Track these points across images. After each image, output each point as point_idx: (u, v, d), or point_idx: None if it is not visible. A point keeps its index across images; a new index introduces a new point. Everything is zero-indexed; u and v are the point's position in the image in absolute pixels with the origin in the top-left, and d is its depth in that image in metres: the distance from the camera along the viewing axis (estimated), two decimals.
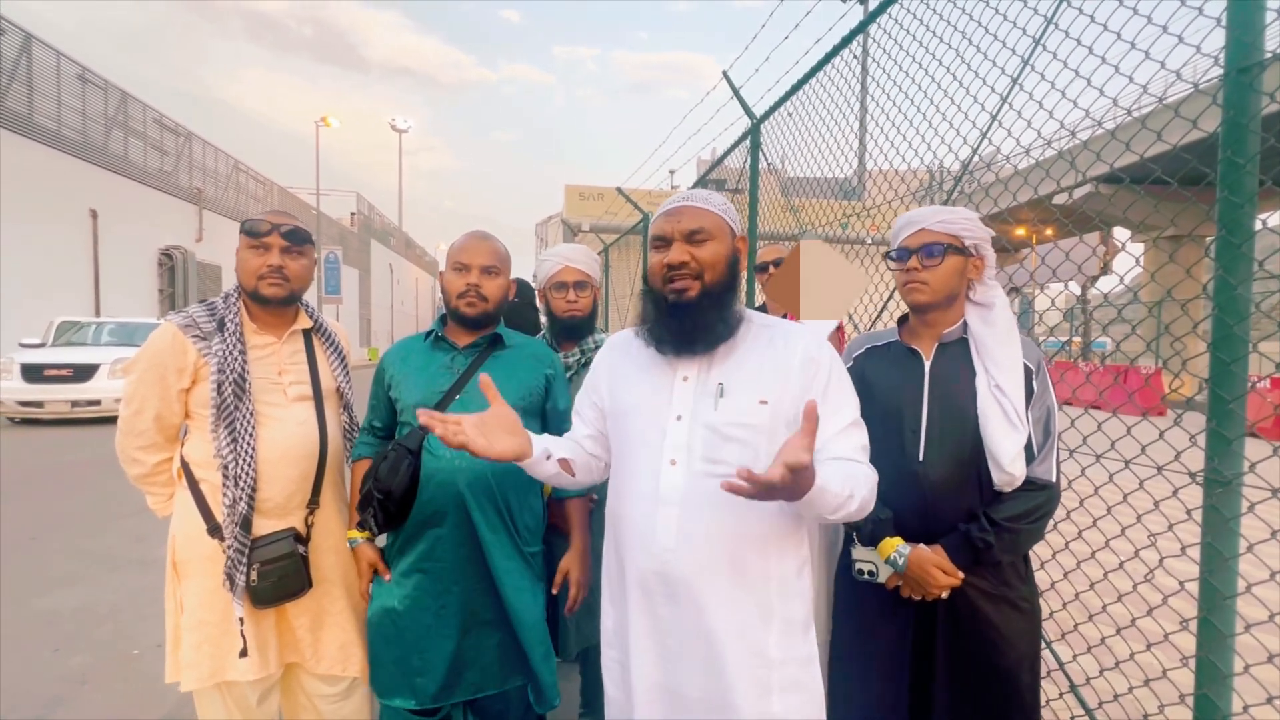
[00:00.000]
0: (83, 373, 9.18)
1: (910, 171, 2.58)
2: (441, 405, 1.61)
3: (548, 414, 1.77)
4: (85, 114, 15.30)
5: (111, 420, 7.46)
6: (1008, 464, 1.38)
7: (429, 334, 1.74)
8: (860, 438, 1.24)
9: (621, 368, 1.36)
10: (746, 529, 1.18)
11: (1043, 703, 1.61)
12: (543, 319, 2.38)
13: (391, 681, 1.63)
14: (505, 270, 1.74)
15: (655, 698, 1.23)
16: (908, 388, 1.51)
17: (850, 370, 1.62)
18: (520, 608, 1.62)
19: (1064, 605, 1.94)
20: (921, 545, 1.41)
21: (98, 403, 9.15)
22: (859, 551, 1.49)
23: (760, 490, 0.98)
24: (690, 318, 1.24)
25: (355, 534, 1.72)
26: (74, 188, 14.62)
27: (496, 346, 1.71)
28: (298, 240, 1.65)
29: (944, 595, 1.41)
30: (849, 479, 1.13)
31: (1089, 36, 1.66)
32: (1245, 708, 1.31)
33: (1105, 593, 1.88)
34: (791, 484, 0.97)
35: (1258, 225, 1.27)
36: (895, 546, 1.42)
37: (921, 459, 1.45)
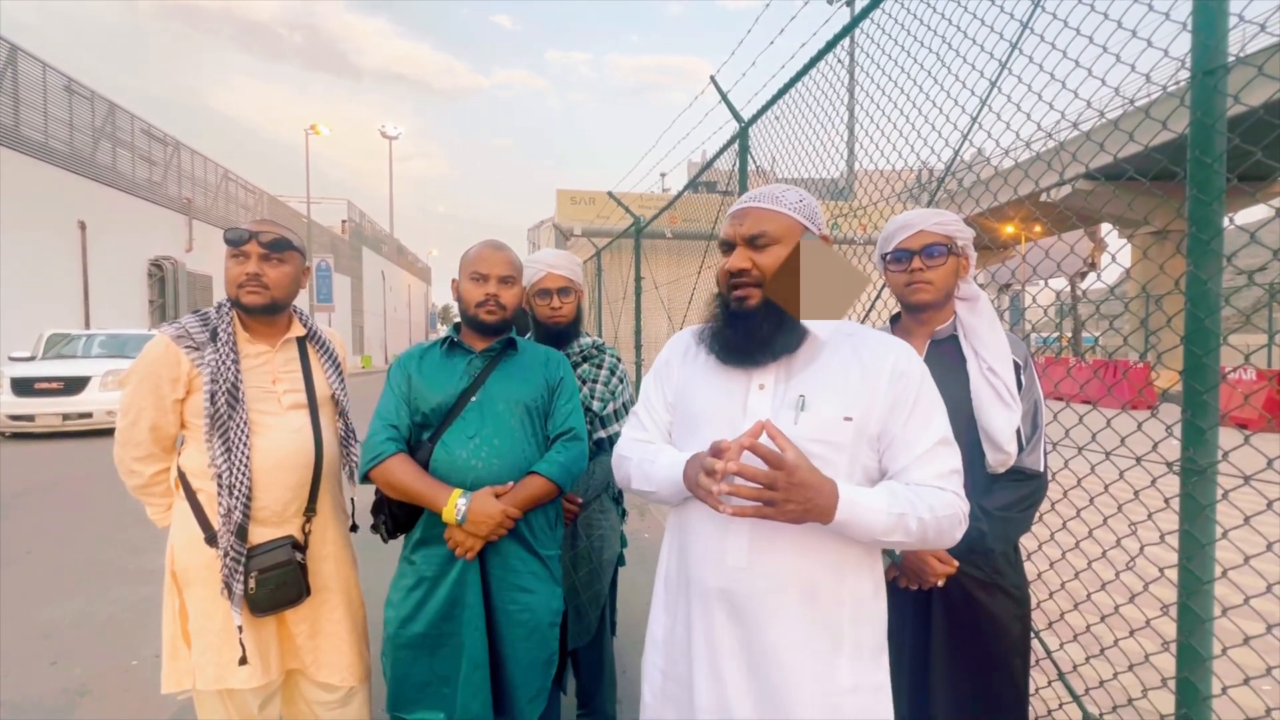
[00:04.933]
0: (74, 385, 9.11)
1: (895, 173, 2.62)
2: (458, 406, 1.66)
3: (551, 414, 1.78)
4: (72, 125, 15.24)
5: (103, 433, 7.36)
6: (1003, 442, 1.42)
7: (444, 341, 1.78)
8: (948, 460, 1.14)
9: (689, 368, 1.29)
10: (821, 550, 1.12)
11: (1031, 691, 1.64)
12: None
13: (416, 696, 1.64)
14: (520, 278, 1.79)
15: (705, 716, 1.16)
16: None
17: None
18: (537, 606, 1.65)
19: (1050, 595, 1.98)
20: None
21: (89, 415, 9.08)
22: None
23: (766, 499, 1.00)
24: (749, 328, 1.17)
25: (454, 499, 1.54)
26: (62, 199, 14.55)
27: (509, 350, 1.76)
28: (277, 248, 1.65)
29: (939, 584, 1.44)
30: (902, 500, 1.07)
31: (1062, 41, 1.70)
32: (1224, 689, 1.35)
33: (1089, 581, 1.92)
34: (775, 477, 0.99)
35: (1225, 223, 1.31)
36: None
37: None
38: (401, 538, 1.73)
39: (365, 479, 1.65)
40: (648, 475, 1.23)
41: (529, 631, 1.64)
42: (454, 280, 1.79)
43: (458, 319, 1.82)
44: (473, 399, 1.67)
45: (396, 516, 1.66)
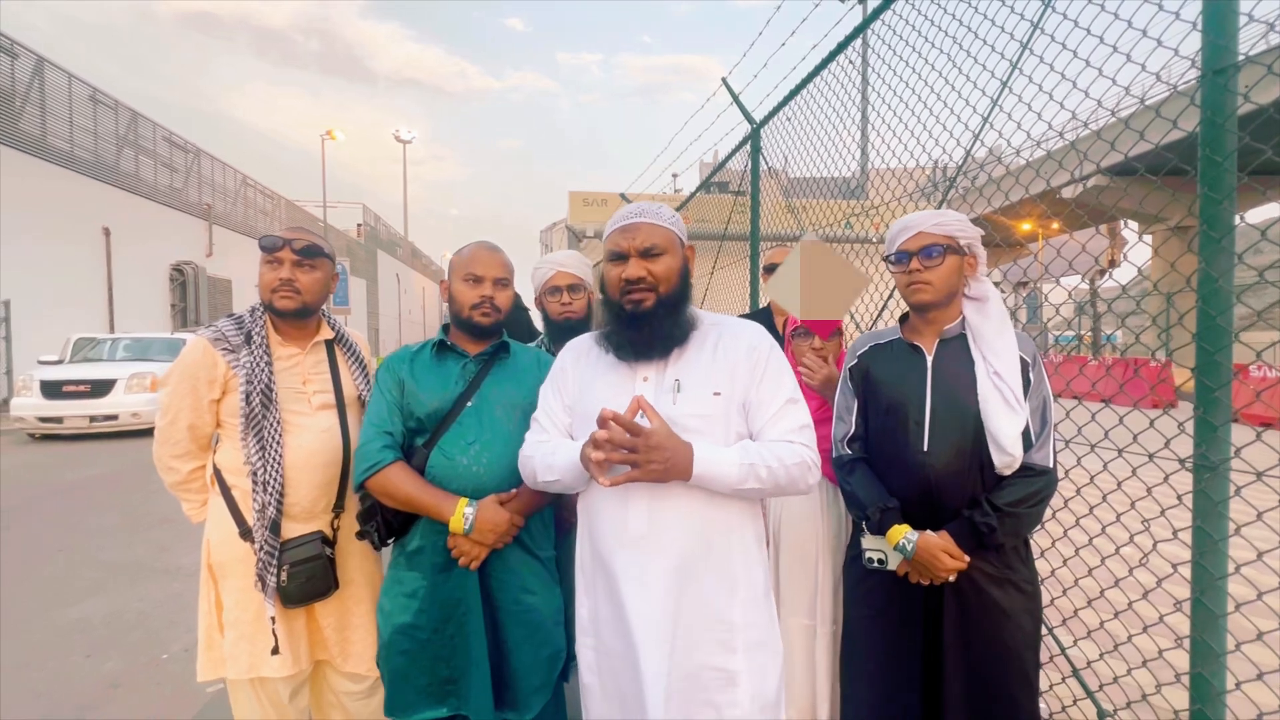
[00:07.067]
0: (100, 388, 9.32)
1: (905, 171, 2.63)
2: (454, 410, 1.63)
3: None
4: (97, 134, 15.58)
5: (129, 434, 7.50)
6: (1009, 445, 1.44)
7: (434, 344, 1.73)
8: (797, 416, 1.34)
9: (584, 371, 1.45)
10: (712, 511, 1.30)
11: (1046, 687, 1.66)
12: (540, 324, 2.47)
13: (415, 699, 1.63)
14: (512, 281, 1.80)
15: (633, 679, 1.27)
16: (911, 382, 1.58)
17: (855, 367, 1.70)
18: (540, 606, 1.65)
19: (1064, 592, 1.98)
20: (928, 531, 1.48)
21: (115, 417, 9.28)
22: (868, 540, 1.55)
23: (631, 461, 1.18)
24: (648, 327, 1.34)
25: (461, 509, 1.50)
26: (87, 206, 14.88)
27: (502, 354, 1.75)
28: (309, 254, 1.71)
29: (951, 579, 1.47)
30: (751, 453, 1.26)
31: (1073, 41, 1.72)
32: (1238, 684, 1.36)
33: (1103, 578, 1.92)
34: (637, 443, 1.18)
35: (1236, 220, 1.32)
36: (903, 534, 1.48)
37: (926, 449, 1.52)
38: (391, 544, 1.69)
39: (360, 488, 1.59)
40: (551, 466, 1.38)
41: (532, 630, 1.64)
42: (443, 282, 1.77)
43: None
44: (469, 404, 1.63)
45: (390, 523, 1.62)
